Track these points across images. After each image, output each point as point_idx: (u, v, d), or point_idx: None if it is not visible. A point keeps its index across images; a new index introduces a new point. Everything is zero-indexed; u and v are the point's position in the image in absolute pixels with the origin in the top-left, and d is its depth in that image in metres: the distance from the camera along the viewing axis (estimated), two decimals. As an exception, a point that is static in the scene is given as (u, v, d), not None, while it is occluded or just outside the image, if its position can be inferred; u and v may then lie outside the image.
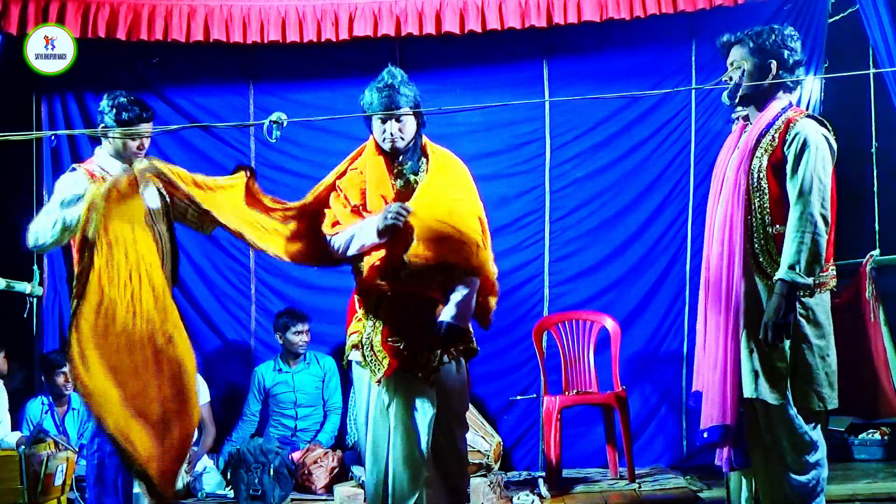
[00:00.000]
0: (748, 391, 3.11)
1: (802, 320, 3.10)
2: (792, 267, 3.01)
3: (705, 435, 3.18)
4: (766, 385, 3.10)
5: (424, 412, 3.33)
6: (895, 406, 5.16)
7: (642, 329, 5.70)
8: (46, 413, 5.29)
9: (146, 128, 3.77)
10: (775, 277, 3.05)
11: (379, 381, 3.37)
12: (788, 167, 3.11)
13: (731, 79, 3.26)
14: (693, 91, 5.60)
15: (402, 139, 3.42)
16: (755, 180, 3.15)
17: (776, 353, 3.09)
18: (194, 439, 5.47)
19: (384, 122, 3.40)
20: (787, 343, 3.09)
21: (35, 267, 5.68)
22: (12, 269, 5.53)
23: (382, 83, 3.40)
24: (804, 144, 3.09)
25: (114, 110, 3.76)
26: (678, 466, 5.48)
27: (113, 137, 3.74)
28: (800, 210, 3.04)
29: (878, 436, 5.43)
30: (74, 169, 3.80)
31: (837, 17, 5.57)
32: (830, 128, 3.18)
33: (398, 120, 3.39)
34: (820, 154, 3.09)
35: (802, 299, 3.08)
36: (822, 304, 3.15)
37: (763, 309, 3.09)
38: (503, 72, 5.80)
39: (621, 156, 5.77)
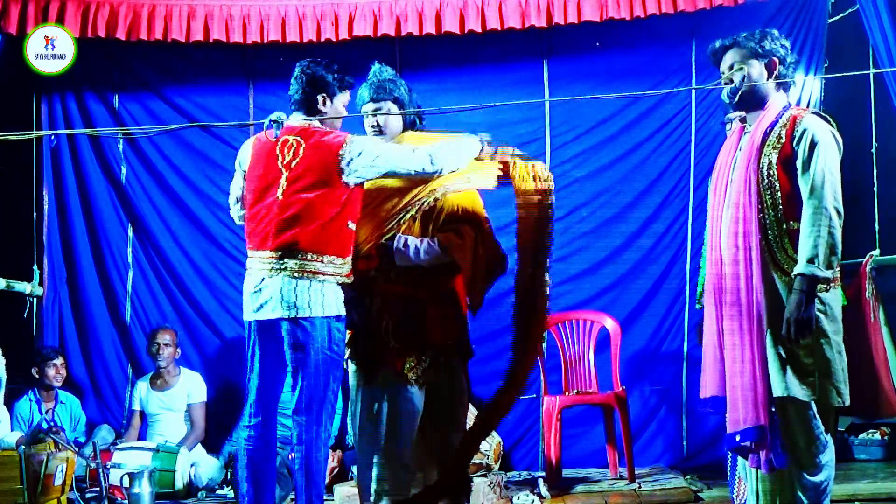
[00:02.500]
0: (778, 390, 3.09)
1: (821, 315, 3.09)
2: (811, 261, 3.02)
3: (738, 438, 3.14)
4: (797, 382, 3.09)
5: (412, 413, 3.33)
6: (895, 406, 5.16)
7: (642, 329, 5.70)
8: (34, 407, 5.31)
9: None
10: (794, 272, 3.05)
11: (368, 382, 3.37)
12: (799, 163, 3.11)
13: (731, 80, 3.27)
14: (693, 91, 5.61)
15: (384, 133, 3.46)
16: (765, 178, 3.15)
17: (803, 349, 3.08)
18: (181, 438, 5.50)
19: (370, 115, 3.48)
20: (809, 338, 3.09)
21: (35, 267, 5.68)
22: (12, 269, 5.53)
23: (368, 80, 3.51)
24: (813, 140, 3.10)
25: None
26: (678, 466, 5.47)
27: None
28: (814, 205, 3.05)
29: (878, 436, 5.43)
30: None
31: (837, 18, 5.57)
32: (834, 124, 3.19)
33: (377, 113, 3.44)
34: (829, 149, 3.10)
35: (819, 294, 3.08)
36: (836, 299, 3.15)
37: (784, 306, 3.09)
38: (503, 72, 5.80)
39: (621, 156, 5.77)
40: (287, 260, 3.32)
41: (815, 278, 3.02)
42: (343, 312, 3.39)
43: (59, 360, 5.43)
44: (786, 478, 3.20)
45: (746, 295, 3.14)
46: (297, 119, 3.50)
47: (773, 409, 3.13)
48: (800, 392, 3.09)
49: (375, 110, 3.48)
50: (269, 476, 3.57)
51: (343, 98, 3.56)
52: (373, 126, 3.48)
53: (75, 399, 5.56)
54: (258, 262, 3.41)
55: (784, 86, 3.29)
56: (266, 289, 3.36)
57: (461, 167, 3.40)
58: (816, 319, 3.08)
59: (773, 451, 3.14)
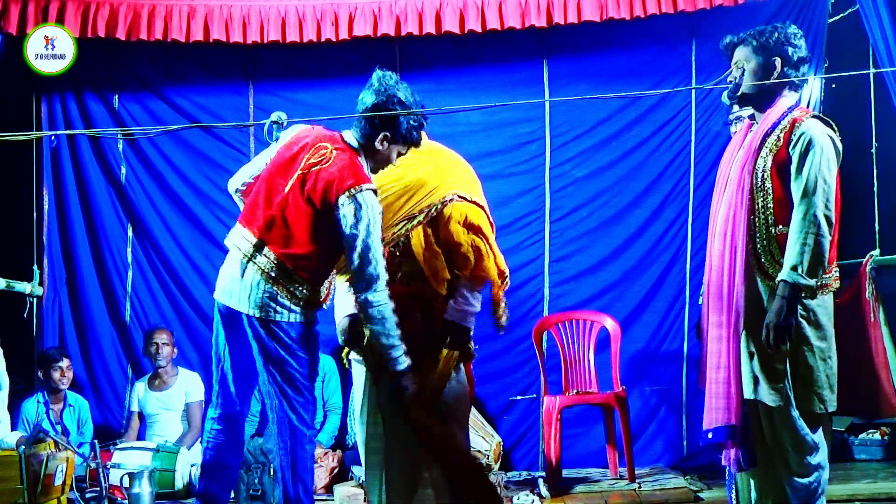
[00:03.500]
0: (747, 392, 3.10)
1: (803, 322, 3.08)
2: (794, 268, 3.00)
3: (710, 436, 3.16)
4: (766, 387, 3.09)
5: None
6: (895, 406, 5.16)
7: (642, 329, 5.70)
8: (42, 409, 5.30)
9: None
10: (777, 278, 3.04)
11: (376, 382, 3.37)
12: (793, 167, 3.09)
13: (735, 78, 3.25)
14: (693, 91, 5.61)
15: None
16: (759, 180, 3.14)
17: (776, 354, 3.08)
18: (178, 437, 5.51)
19: None
20: (788, 345, 3.08)
21: (35, 267, 5.68)
22: (12, 269, 5.53)
23: (372, 87, 3.38)
24: (809, 144, 3.07)
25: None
26: (678, 466, 5.48)
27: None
28: (803, 211, 3.03)
29: (878, 436, 5.43)
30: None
31: (837, 18, 5.57)
32: (836, 128, 3.17)
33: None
34: (825, 155, 3.07)
35: (803, 300, 3.07)
36: (823, 305, 3.13)
37: (764, 310, 3.08)
38: (503, 72, 5.80)
39: (621, 156, 5.77)
40: (259, 255, 3.27)
41: (797, 286, 3.01)
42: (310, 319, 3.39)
43: (64, 363, 5.40)
44: (777, 478, 3.19)
45: (728, 295, 3.14)
46: (348, 134, 3.39)
47: (747, 410, 3.12)
48: (768, 397, 3.09)
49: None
50: (231, 476, 3.56)
51: (399, 148, 3.39)
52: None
53: (84, 402, 5.55)
54: (240, 238, 3.34)
55: (793, 85, 3.25)
56: (238, 279, 3.30)
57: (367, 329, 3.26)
58: (798, 326, 3.07)
59: (742, 450, 3.14)
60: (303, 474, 3.35)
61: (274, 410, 3.35)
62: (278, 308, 3.28)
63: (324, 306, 3.43)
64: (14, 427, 5.20)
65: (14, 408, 5.32)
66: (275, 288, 3.26)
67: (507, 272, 3.48)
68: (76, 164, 5.84)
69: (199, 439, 5.55)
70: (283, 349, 3.30)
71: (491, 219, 3.50)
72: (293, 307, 3.29)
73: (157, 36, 5.33)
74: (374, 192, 3.26)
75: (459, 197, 3.38)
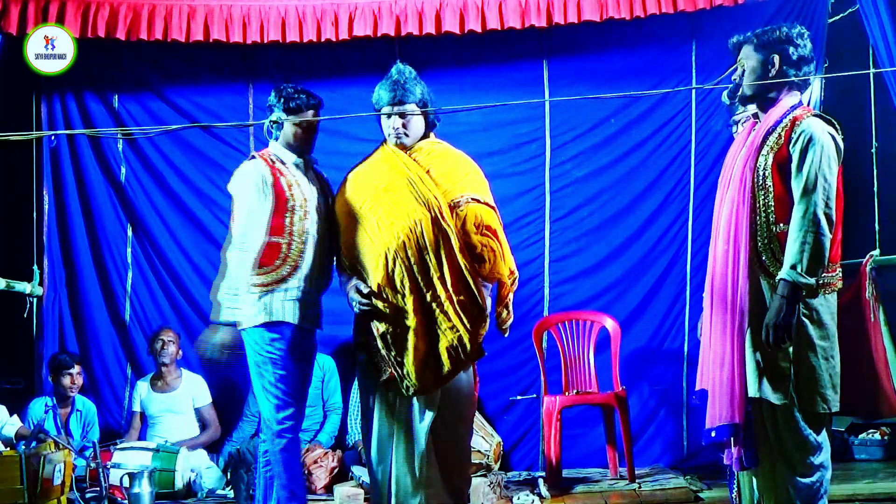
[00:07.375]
0: (752, 390, 3.10)
1: (806, 321, 3.07)
2: (794, 267, 3.00)
3: (713, 434, 3.16)
4: (769, 385, 3.09)
5: (427, 413, 3.33)
6: (895, 406, 5.16)
7: (642, 329, 5.70)
8: (47, 414, 5.30)
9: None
10: (777, 277, 3.04)
11: (387, 381, 3.37)
12: (793, 165, 3.08)
13: (737, 77, 3.26)
14: (693, 91, 5.60)
15: (408, 135, 3.43)
16: (760, 178, 3.13)
17: (780, 352, 3.07)
18: (194, 437, 5.52)
19: (389, 116, 3.42)
20: (788, 344, 3.08)
21: (35, 267, 5.68)
22: (12, 269, 5.53)
23: (391, 79, 3.42)
24: (809, 142, 3.07)
25: (282, 100, 3.72)
26: (678, 466, 5.47)
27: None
28: (803, 209, 3.02)
29: (878, 436, 5.43)
30: (254, 157, 3.78)
31: (837, 18, 5.57)
32: (837, 127, 3.16)
33: (402, 115, 3.40)
34: (826, 153, 3.06)
35: (806, 299, 3.07)
36: (826, 304, 3.12)
37: (766, 308, 3.08)
38: (503, 72, 5.80)
39: (621, 156, 5.77)
40: None
41: (796, 284, 3.00)
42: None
43: (74, 370, 5.39)
44: (778, 478, 3.19)
45: (732, 293, 3.14)
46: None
47: (750, 409, 3.12)
48: (772, 395, 3.08)
49: (401, 113, 3.43)
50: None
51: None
52: (395, 128, 3.43)
53: (92, 405, 5.54)
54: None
55: (796, 85, 3.25)
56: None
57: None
58: (801, 325, 3.06)
59: (745, 449, 3.14)
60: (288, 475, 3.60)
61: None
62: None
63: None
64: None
65: (19, 407, 5.32)
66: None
67: (516, 272, 3.49)
68: (76, 164, 5.84)
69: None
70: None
71: (500, 219, 3.51)
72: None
73: (157, 36, 5.33)
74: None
75: (473, 199, 3.38)
